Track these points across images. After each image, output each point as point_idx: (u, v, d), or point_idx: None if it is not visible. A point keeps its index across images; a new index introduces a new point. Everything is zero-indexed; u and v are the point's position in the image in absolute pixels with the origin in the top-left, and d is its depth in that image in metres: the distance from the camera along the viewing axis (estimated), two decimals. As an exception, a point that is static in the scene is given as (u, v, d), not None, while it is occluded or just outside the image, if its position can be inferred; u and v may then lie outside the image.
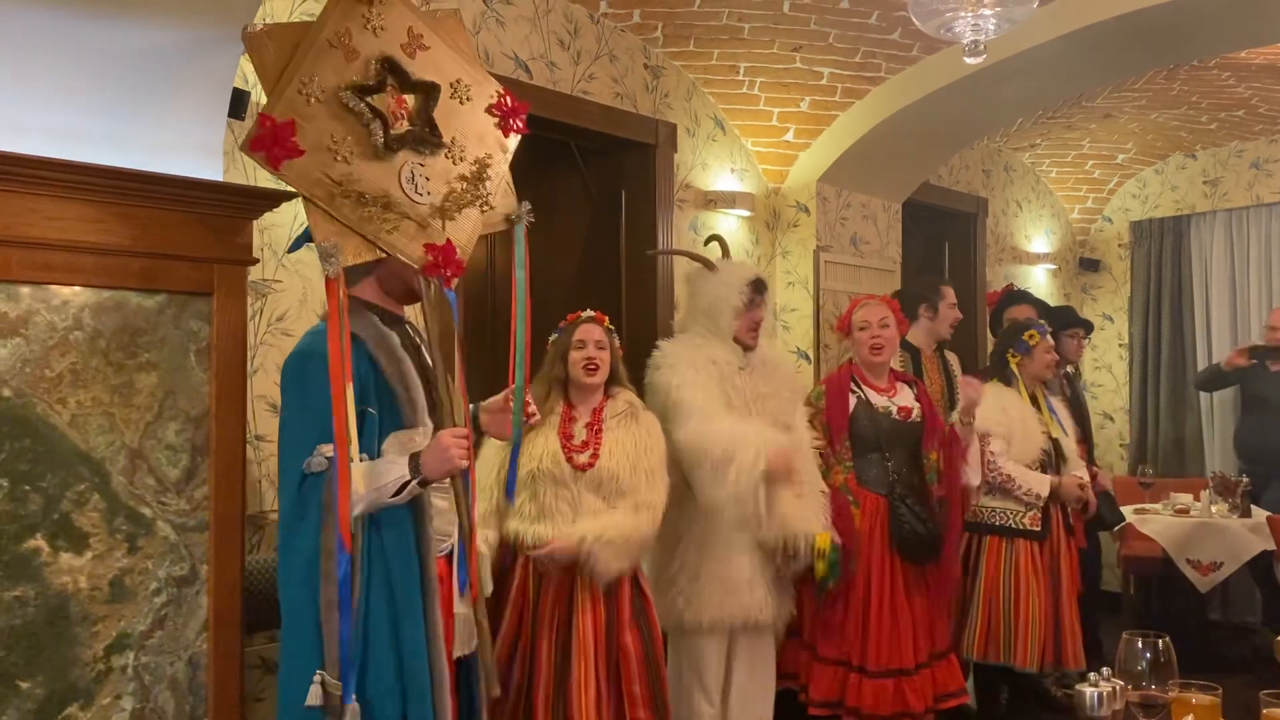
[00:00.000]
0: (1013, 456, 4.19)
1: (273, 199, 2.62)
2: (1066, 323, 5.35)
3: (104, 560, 2.32)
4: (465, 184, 2.28)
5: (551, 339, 3.23)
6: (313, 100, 2.08)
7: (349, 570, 2.07)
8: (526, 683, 2.99)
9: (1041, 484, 4.19)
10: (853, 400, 3.85)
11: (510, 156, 2.40)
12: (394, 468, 2.15)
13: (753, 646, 3.55)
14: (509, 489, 2.67)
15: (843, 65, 4.41)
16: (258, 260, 2.77)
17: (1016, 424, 4.21)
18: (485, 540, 2.94)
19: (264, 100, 2.86)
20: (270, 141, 2.02)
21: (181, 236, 2.44)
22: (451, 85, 2.27)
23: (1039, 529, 4.19)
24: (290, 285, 3.19)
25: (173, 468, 2.44)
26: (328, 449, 2.07)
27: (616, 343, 3.27)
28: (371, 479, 2.12)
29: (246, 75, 2.97)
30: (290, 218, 3.13)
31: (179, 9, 2.37)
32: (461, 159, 2.30)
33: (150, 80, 2.43)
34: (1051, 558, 4.23)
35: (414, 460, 2.15)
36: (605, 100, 4.16)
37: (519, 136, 2.41)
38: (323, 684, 2.06)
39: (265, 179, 3.06)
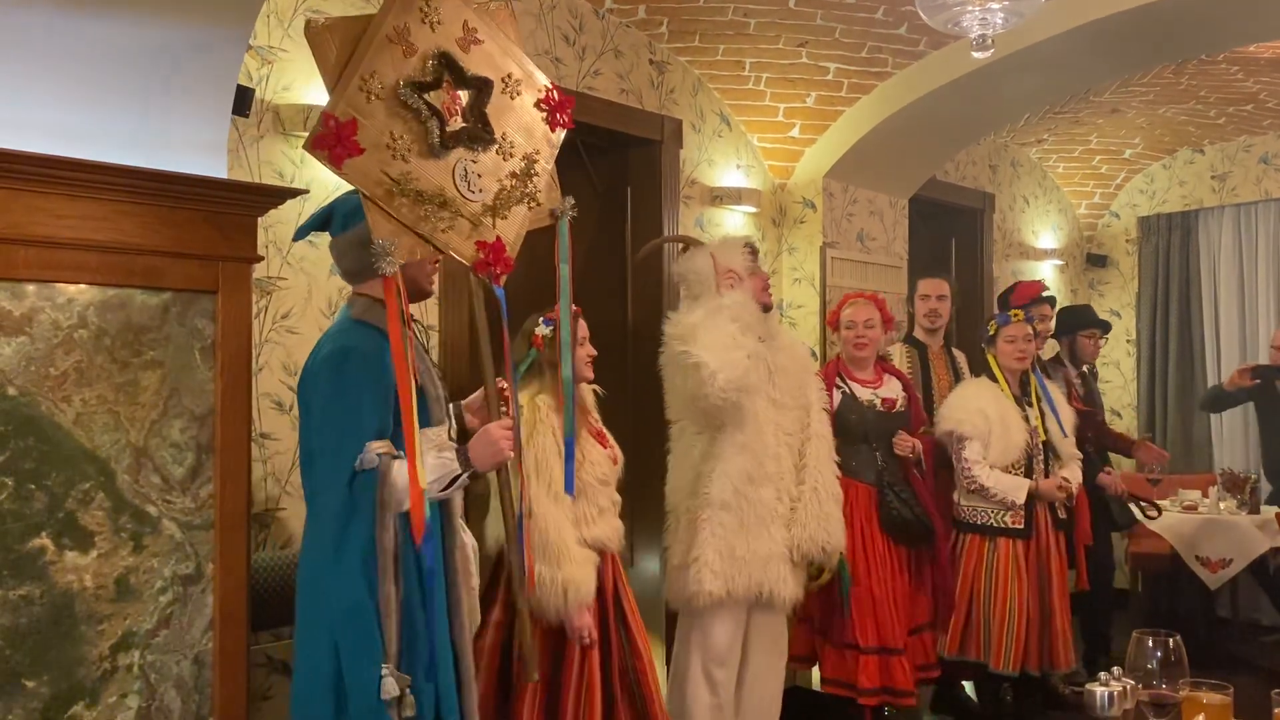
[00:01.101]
0: (992, 459, 4.12)
1: (277, 196, 2.62)
2: (1083, 323, 5.31)
3: (109, 559, 2.32)
4: (515, 180, 2.29)
5: (545, 334, 3.04)
6: (373, 97, 2.07)
7: (433, 565, 2.16)
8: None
9: (1018, 490, 4.11)
10: (838, 395, 3.96)
11: (556, 152, 2.40)
12: (445, 462, 2.17)
13: (769, 624, 3.58)
14: (568, 485, 2.68)
15: (849, 60, 4.39)
16: (262, 258, 2.77)
17: (996, 424, 4.13)
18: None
19: (268, 97, 2.86)
20: (334, 140, 2.02)
21: (186, 234, 2.44)
22: (503, 80, 2.27)
23: (1022, 527, 4.13)
24: (295, 282, 3.18)
25: (178, 466, 2.44)
26: (379, 445, 2.10)
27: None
28: (423, 474, 2.13)
29: (250, 72, 2.97)
30: (295, 215, 3.12)
31: (183, 6, 2.36)
32: (511, 155, 2.30)
33: (155, 78, 2.43)
34: (1039, 557, 4.16)
35: (463, 453, 2.19)
36: (610, 96, 4.15)
37: (564, 131, 2.40)
38: (393, 676, 2.09)
39: (270, 177, 3.06)
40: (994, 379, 4.27)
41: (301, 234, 2.42)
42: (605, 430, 3.20)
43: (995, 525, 4.13)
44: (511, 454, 2.23)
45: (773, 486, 3.47)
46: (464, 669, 2.28)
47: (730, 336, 3.29)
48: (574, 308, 3.06)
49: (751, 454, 3.42)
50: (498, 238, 2.24)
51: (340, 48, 2.05)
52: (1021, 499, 4.10)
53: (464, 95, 2.21)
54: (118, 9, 2.29)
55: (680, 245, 3.77)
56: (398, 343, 2.09)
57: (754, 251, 3.60)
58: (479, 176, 2.22)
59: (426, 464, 2.14)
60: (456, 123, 2.18)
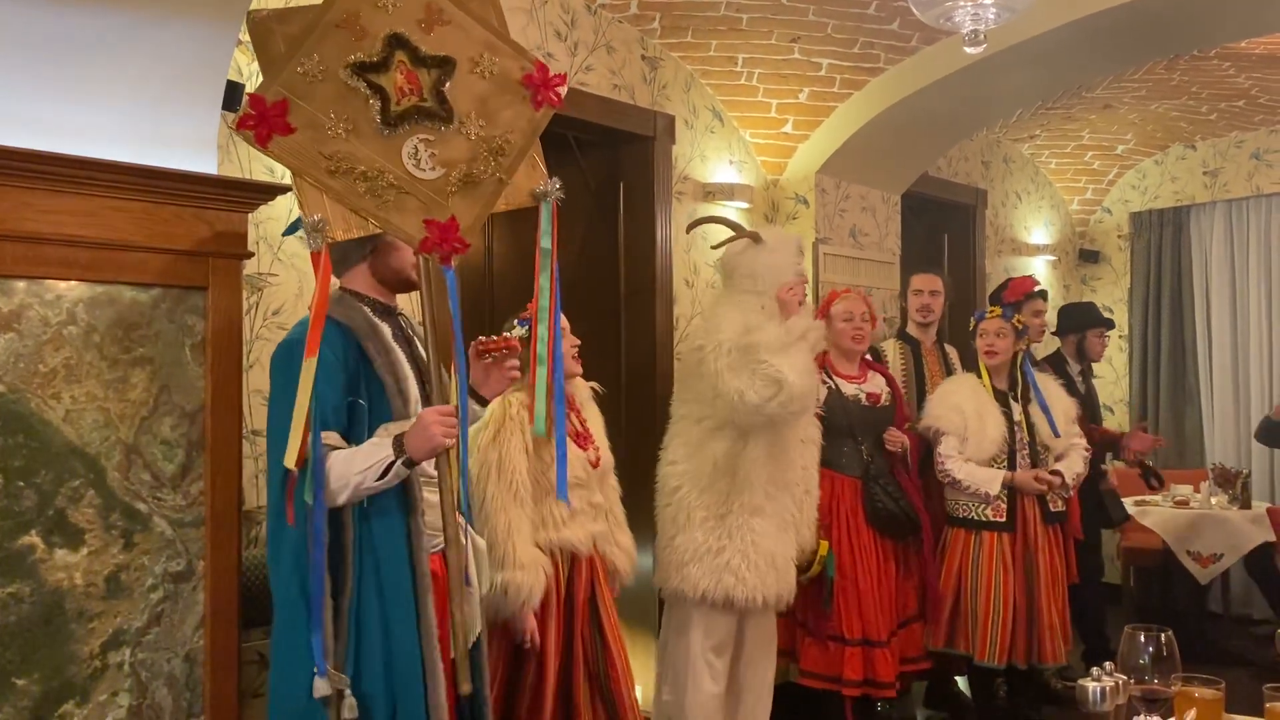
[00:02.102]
0: (969, 453, 4.11)
1: (267, 192, 2.61)
2: (1092, 321, 5.27)
3: (99, 556, 2.31)
4: (479, 159, 2.24)
5: (520, 335, 2.93)
6: (311, 79, 2.07)
7: (321, 557, 2.06)
8: (557, 672, 2.94)
9: (991, 481, 4.10)
10: (824, 390, 3.95)
11: (540, 129, 2.34)
12: (378, 450, 2.11)
13: (763, 620, 3.60)
14: (560, 489, 2.53)
15: (841, 56, 4.39)
16: (253, 254, 2.76)
17: (972, 419, 4.12)
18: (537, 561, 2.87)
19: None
20: (257, 120, 2.04)
21: (176, 230, 2.43)
22: (472, 59, 2.23)
23: (1004, 520, 4.11)
24: (286, 279, 3.17)
25: (168, 463, 2.43)
26: (325, 438, 2.06)
27: None
28: (356, 462, 2.09)
29: (241, 68, 2.95)
30: (285, 210, 3.11)
31: (173, 1, 2.35)
32: (476, 134, 2.25)
33: (145, 73, 2.41)
34: (1026, 550, 4.13)
35: (398, 441, 2.11)
36: (603, 92, 4.14)
37: (552, 110, 2.35)
38: (326, 676, 2.05)
39: (261, 173, 3.05)
40: (979, 375, 4.27)
41: (291, 230, 2.41)
42: (592, 431, 3.13)
43: (977, 519, 4.13)
44: (449, 442, 2.12)
45: (790, 493, 3.56)
46: (430, 677, 2.18)
47: (809, 363, 3.40)
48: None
49: (778, 462, 3.48)
50: (451, 217, 2.20)
51: (285, 39, 2.06)
52: (995, 490, 4.08)
53: (423, 74, 2.18)
54: (107, 3, 2.27)
55: (741, 235, 3.68)
56: (317, 322, 2.05)
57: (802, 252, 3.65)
58: (433, 155, 2.19)
59: (361, 452, 2.10)
60: (408, 101, 2.15)
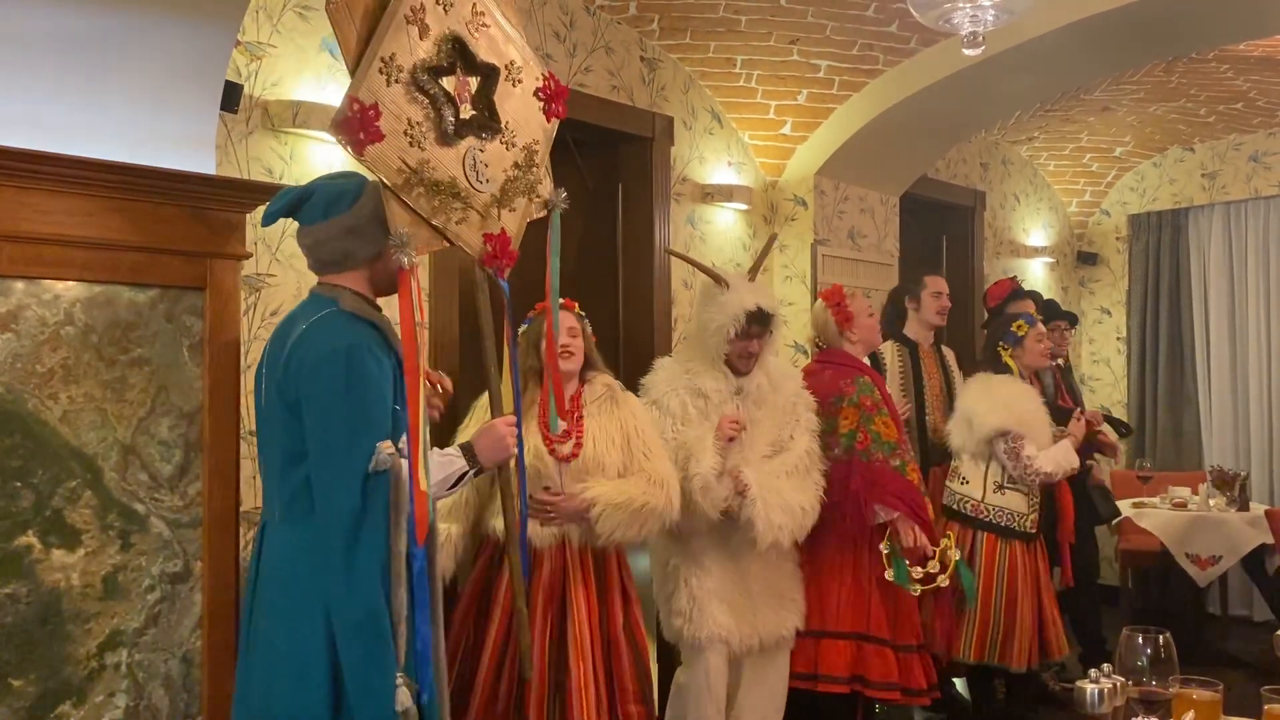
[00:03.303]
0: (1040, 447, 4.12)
1: (266, 192, 2.60)
2: (1048, 315, 5.28)
3: (96, 557, 2.30)
4: (518, 171, 2.23)
5: (521, 330, 3.07)
6: (392, 81, 1.99)
7: (424, 565, 2.03)
8: (516, 681, 2.88)
9: (1069, 455, 4.14)
10: None
11: (551, 141, 2.35)
12: (451, 462, 2.14)
13: (760, 660, 3.49)
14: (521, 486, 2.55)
15: (840, 58, 4.39)
16: (251, 254, 2.75)
17: (1029, 415, 4.12)
18: (448, 533, 2.86)
19: (257, 93, 2.84)
20: (358, 125, 1.94)
21: (174, 230, 2.42)
22: (506, 67, 2.22)
23: (1035, 531, 4.15)
24: (284, 279, 3.16)
25: (166, 464, 2.42)
26: (388, 446, 1.99)
27: (589, 329, 3.22)
28: (433, 474, 2.07)
29: (239, 68, 2.95)
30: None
31: (172, 1, 2.35)
32: (514, 144, 2.24)
33: (143, 73, 2.41)
34: (1037, 554, 4.19)
35: (468, 450, 2.14)
36: (601, 93, 4.14)
37: (558, 121, 2.36)
38: (406, 686, 1.99)
39: (259, 173, 3.04)
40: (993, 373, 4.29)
41: (270, 219, 2.23)
42: (583, 424, 3.09)
43: (1015, 529, 4.11)
44: (515, 450, 2.19)
45: (742, 532, 3.36)
46: (437, 671, 2.17)
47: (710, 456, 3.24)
48: (565, 300, 3.07)
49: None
50: (502, 230, 2.20)
51: (360, 25, 1.97)
52: (1076, 461, 4.16)
53: (473, 82, 2.16)
54: (105, 3, 2.27)
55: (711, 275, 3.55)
56: (410, 340, 1.98)
57: (758, 321, 3.38)
58: (486, 166, 2.17)
59: (438, 464, 2.10)
60: (467, 110, 2.11)
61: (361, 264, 2.16)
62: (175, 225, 2.43)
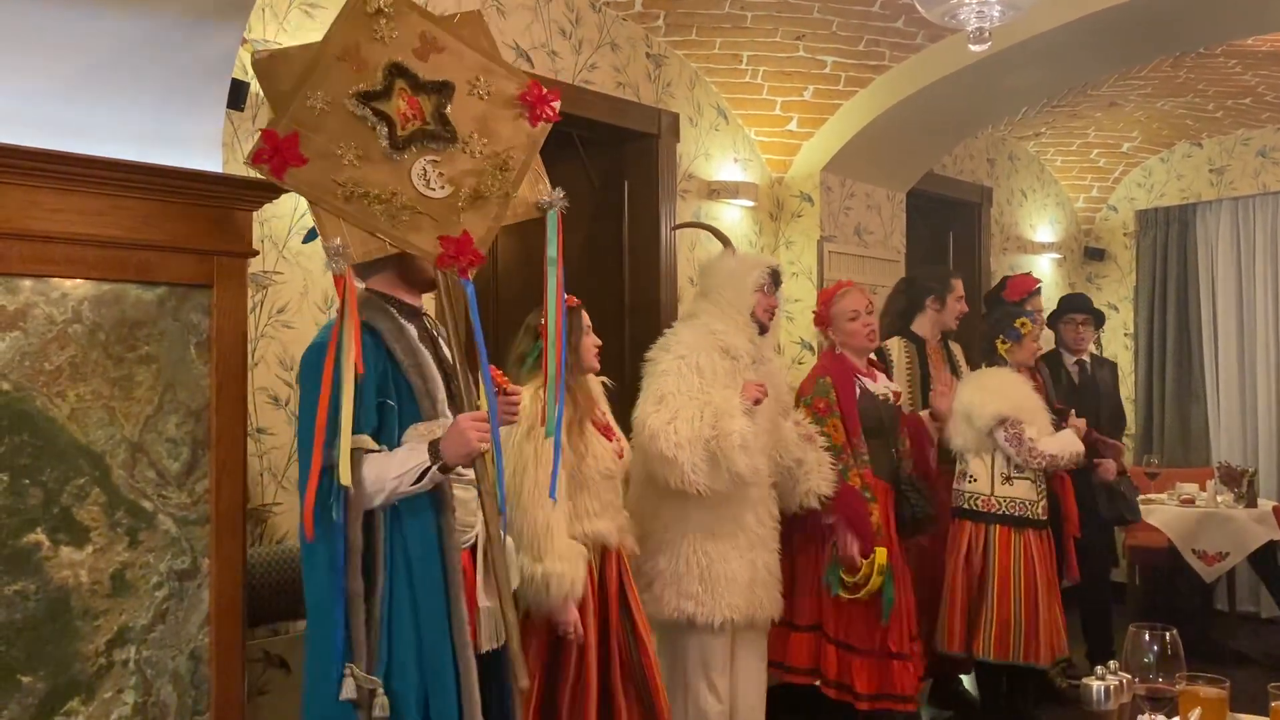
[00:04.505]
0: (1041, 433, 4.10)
1: (273, 190, 2.60)
2: (1061, 310, 5.23)
3: (105, 554, 2.31)
4: (485, 176, 2.31)
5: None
6: (319, 111, 2.14)
7: (344, 559, 2.11)
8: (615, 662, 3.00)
9: (1073, 441, 4.12)
10: (856, 391, 3.80)
11: (539, 144, 2.42)
12: (414, 455, 2.16)
13: (752, 638, 3.52)
14: (551, 489, 2.60)
15: (846, 54, 4.38)
16: (258, 252, 2.76)
17: (1025, 400, 4.10)
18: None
19: (263, 92, 2.84)
20: (271, 154, 2.10)
21: (181, 228, 2.43)
22: (469, 82, 2.31)
23: (1045, 519, 4.12)
24: (291, 277, 3.17)
25: (173, 461, 2.43)
26: (355, 440, 2.09)
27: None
28: (392, 467, 2.14)
29: (245, 66, 2.96)
30: (290, 209, 3.12)
31: (178, 1, 2.35)
32: (480, 152, 2.32)
33: (149, 72, 2.42)
34: (1048, 546, 4.14)
35: (434, 446, 2.17)
36: (607, 90, 4.14)
37: (549, 125, 2.43)
38: (354, 676, 2.09)
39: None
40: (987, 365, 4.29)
41: (311, 237, 2.38)
42: (613, 423, 3.16)
43: (1028, 517, 4.07)
44: (484, 446, 2.19)
45: (753, 510, 3.40)
46: (462, 673, 2.22)
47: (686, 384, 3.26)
48: (573, 299, 3.07)
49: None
50: (464, 232, 2.27)
51: (290, 77, 2.13)
52: (1080, 447, 4.13)
53: (424, 100, 2.26)
54: (111, 2, 2.28)
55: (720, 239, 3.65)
56: (344, 338, 2.08)
57: (776, 280, 3.51)
58: (441, 174, 2.27)
59: (397, 456, 2.15)
60: (412, 125, 2.23)
61: (386, 267, 2.33)
62: (182, 223, 2.43)
